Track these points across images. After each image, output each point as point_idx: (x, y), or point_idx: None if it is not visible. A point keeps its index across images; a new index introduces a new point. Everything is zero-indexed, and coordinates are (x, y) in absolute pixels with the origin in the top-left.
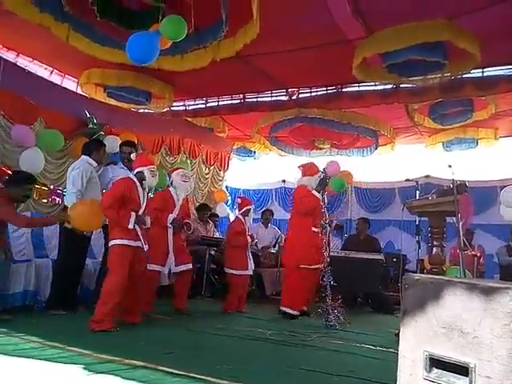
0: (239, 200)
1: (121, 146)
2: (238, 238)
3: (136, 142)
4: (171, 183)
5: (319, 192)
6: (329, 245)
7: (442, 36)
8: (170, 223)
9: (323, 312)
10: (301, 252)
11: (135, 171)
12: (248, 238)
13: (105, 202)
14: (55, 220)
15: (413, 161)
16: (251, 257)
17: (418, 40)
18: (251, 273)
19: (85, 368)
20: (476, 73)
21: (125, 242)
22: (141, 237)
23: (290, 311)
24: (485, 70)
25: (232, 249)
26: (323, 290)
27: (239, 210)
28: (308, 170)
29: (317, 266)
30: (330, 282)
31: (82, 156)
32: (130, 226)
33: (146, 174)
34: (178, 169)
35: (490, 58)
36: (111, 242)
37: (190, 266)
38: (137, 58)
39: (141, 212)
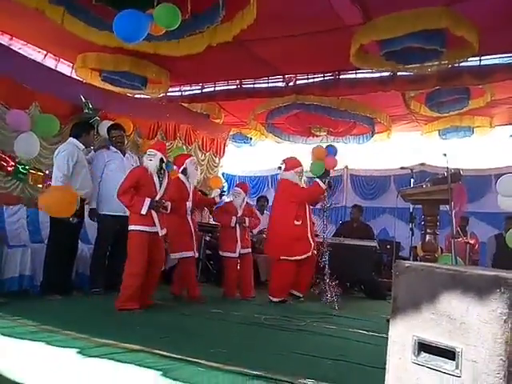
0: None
1: (109, 130)
2: (226, 218)
3: (123, 125)
4: (184, 171)
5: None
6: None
7: (439, 23)
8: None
9: (321, 291)
10: (282, 244)
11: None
12: (234, 218)
13: (119, 189)
14: None
15: (408, 148)
16: (242, 241)
17: (415, 27)
18: (236, 255)
19: (80, 351)
20: (473, 61)
21: (141, 227)
22: (157, 222)
23: (273, 298)
24: (482, 58)
25: (222, 230)
26: (320, 271)
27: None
28: (289, 163)
29: (300, 257)
30: (327, 263)
31: (70, 138)
32: (143, 212)
33: (144, 159)
34: (189, 156)
35: (487, 46)
36: (130, 227)
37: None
38: (123, 35)
39: (158, 197)
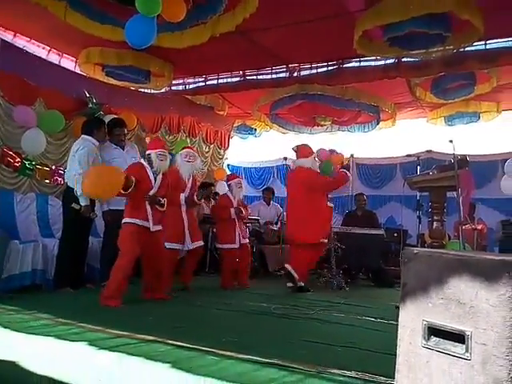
0: (226, 176)
1: (111, 127)
2: (224, 212)
3: (125, 121)
4: (175, 163)
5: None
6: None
7: (444, 7)
8: (184, 202)
9: (331, 276)
10: (320, 228)
11: (146, 154)
12: (232, 210)
13: None
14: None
15: (414, 136)
16: (241, 231)
17: (419, 11)
18: (237, 246)
19: (95, 343)
20: (478, 45)
21: (133, 220)
22: (150, 217)
23: (301, 283)
24: (487, 42)
25: (220, 223)
26: (329, 258)
27: (227, 185)
28: (302, 151)
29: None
30: (337, 251)
31: (83, 136)
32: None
33: (153, 157)
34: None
35: (492, 29)
36: (123, 220)
37: (202, 242)
38: (135, 42)
39: (151, 192)
